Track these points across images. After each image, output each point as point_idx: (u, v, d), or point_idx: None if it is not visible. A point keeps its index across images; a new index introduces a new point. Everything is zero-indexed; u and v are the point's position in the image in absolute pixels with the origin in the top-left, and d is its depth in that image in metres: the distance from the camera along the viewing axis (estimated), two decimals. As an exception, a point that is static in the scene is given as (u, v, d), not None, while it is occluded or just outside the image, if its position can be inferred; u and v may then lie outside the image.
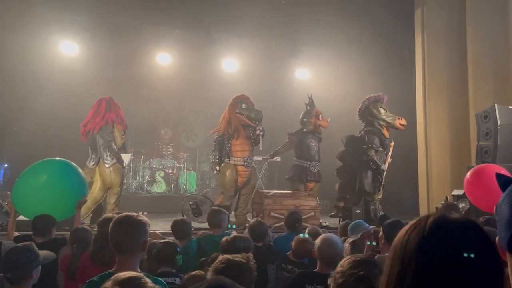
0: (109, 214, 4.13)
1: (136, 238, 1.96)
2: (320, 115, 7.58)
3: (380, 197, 7.48)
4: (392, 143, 7.36)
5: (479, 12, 8.82)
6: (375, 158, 7.06)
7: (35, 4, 8.69)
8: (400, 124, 7.24)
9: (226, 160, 6.73)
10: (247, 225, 4.54)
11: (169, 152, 11.36)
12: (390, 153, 7.29)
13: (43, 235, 3.51)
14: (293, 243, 3.42)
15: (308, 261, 3.44)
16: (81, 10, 9.30)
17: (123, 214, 2.10)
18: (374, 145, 7.11)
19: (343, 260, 1.94)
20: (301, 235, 3.56)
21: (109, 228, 2.06)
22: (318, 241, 2.85)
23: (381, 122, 7.28)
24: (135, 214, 2.07)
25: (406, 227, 0.88)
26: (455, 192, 7.72)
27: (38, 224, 3.55)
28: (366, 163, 7.13)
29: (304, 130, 7.61)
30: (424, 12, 9.54)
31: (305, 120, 7.64)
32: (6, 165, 9.24)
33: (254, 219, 4.51)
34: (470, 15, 9.00)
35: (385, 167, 7.12)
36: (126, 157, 7.60)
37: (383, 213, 7.24)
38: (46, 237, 3.52)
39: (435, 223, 0.84)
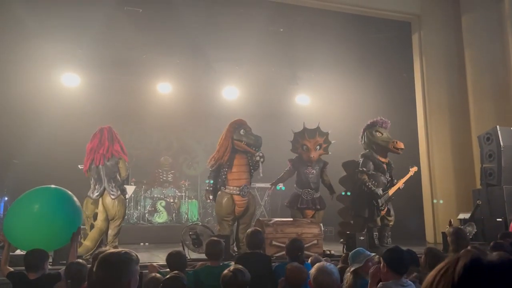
0: (106, 248, 4.07)
1: (118, 278, 1.86)
2: (305, 146, 7.19)
3: (391, 224, 7.34)
4: (414, 169, 7.25)
5: (476, 34, 8.90)
6: (367, 182, 7.02)
7: (36, 37, 8.83)
8: (394, 147, 7.14)
9: (222, 188, 6.53)
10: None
11: (169, 180, 11.27)
12: (404, 179, 7.22)
13: (36, 270, 3.41)
14: (286, 272, 3.29)
15: None
16: (82, 43, 9.44)
17: (108, 251, 2.02)
18: (365, 169, 7.11)
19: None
20: None
21: (94, 266, 1.98)
22: (313, 270, 2.77)
23: (374, 146, 7.26)
24: (122, 251, 1.98)
25: (433, 273, 0.73)
26: (461, 216, 7.60)
27: (30, 259, 3.46)
28: (360, 187, 7.08)
29: (289, 149, 7.51)
30: (421, 36, 9.62)
31: (289, 141, 7.51)
32: (6, 198, 9.19)
33: (251, 228, 4.40)
34: (467, 37, 9.08)
35: (379, 191, 7.03)
36: (130, 189, 7.54)
37: (390, 240, 7.11)
38: (39, 272, 3.42)
39: (466, 269, 0.68)
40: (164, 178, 11.28)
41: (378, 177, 7.18)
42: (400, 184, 7.22)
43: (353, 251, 3.57)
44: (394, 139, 7.25)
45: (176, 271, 3.23)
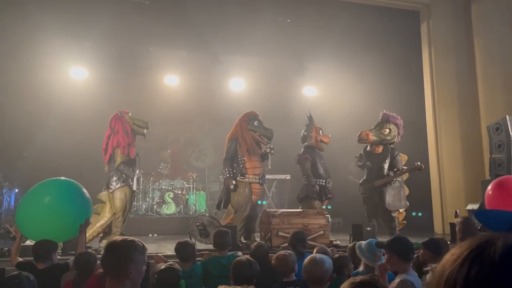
0: (115, 238, 4.12)
1: (119, 264, 1.89)
2: (321, 131, 7.38)
3: (394, 214, 7.30)
4: (416, 166, 7.18)
5: (486, 23, 8.76)
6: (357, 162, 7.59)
7: (45, 30, 8.88)
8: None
9: (240, 178, 6.52)
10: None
11: (164, 172, 11.23)
12: (396, 175, 7.17)
13: (44, 260, 3.47)
14: (272, 262, 3.30)
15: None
16: (89, 36, 9.47)
17: (117, 238, 2.06)
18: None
19: (344, 283, 1.86)
20: None
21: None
22: (305, 261, 2.80)
23: None
24: (128, 239, 2.01)
25: (458, 254, 0.65)
26: (470, 206, 7.55)
27: (38, 249, 3.53)
28: None
29: (306, 144, 7.37)
30: (430, 25, 9.50)
31: (305, 134, 7.42)
32: (17, 190, 9.30)
33: (256, 243, 4.41)
34: (477, 26, 8.95)
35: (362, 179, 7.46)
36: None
37: (396, 231, 7.08)
38: (47, 262, 3.48)
39: (508, 248, 0.61)
40: (160, 171, 11.25)
41: (369, 167, 7.37)
42: (390, 178, 7.14)
43: (368, 242, 3.51)
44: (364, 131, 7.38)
45: (170, 262, 3.26)
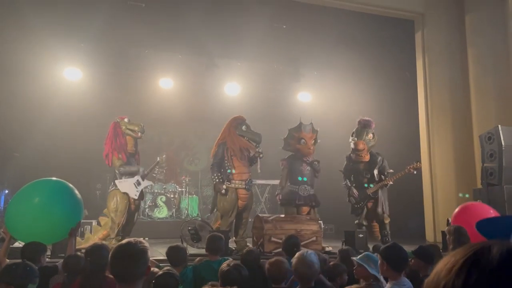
0: (98, 242, 4.07)
1: (139, 267, 1.88)
2: (303, 140, 7.15)
3: (386, 221, 7.31)
4: (413, 166, 7.18)
5: (479, 33, 8.85)
6: (344, 181, 7.51)
7: (39, 31, 8.82)
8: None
9: (226, 183, 6.53)
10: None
11: (159, 177, 11.14)
12: (391, 179, 7.19)
13: (32, 263, 3.41)
14: (266, 267, 3.24)
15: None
16: (84, 37, 9.43)
17: (124, 241, 1.99)
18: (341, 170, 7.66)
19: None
20: None
21: (110, 256, 1.96)
22: (294, 259, 2.81)
23: None
24: (134, 240, 1.96)
25: (453, 263, 0.63)
26: (461, 215, 7.56)
27: (26, 252, 3.47)
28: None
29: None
30: (424, 34, 9.57)
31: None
32: (7, 191, 9.21)
33: (247, 248, 4.39)
34: (470, 36, 9.03)
35: (352, 189, 7.36)
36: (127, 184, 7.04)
37: (389, 238, 7.07)
38: (35, 265, 3.41)
39: (507, 255, 0.60)
40: (155, 176, 11.18)
41: (357, 176, 7.35)
42: (381, 184, 7.16)
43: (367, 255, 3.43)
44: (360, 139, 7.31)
45: (168, 267, 3.21)
